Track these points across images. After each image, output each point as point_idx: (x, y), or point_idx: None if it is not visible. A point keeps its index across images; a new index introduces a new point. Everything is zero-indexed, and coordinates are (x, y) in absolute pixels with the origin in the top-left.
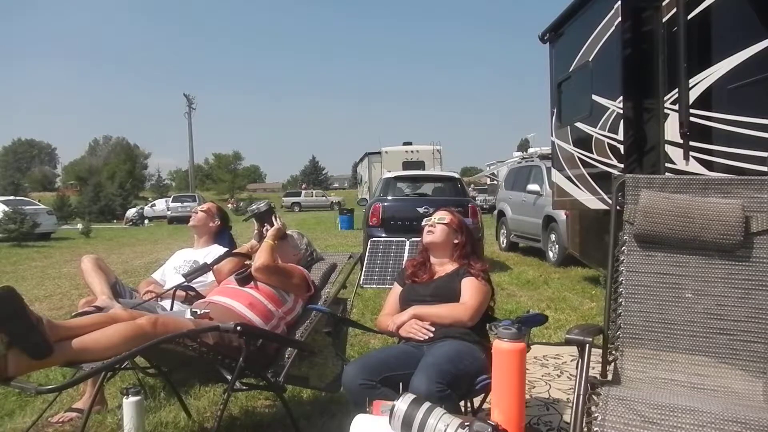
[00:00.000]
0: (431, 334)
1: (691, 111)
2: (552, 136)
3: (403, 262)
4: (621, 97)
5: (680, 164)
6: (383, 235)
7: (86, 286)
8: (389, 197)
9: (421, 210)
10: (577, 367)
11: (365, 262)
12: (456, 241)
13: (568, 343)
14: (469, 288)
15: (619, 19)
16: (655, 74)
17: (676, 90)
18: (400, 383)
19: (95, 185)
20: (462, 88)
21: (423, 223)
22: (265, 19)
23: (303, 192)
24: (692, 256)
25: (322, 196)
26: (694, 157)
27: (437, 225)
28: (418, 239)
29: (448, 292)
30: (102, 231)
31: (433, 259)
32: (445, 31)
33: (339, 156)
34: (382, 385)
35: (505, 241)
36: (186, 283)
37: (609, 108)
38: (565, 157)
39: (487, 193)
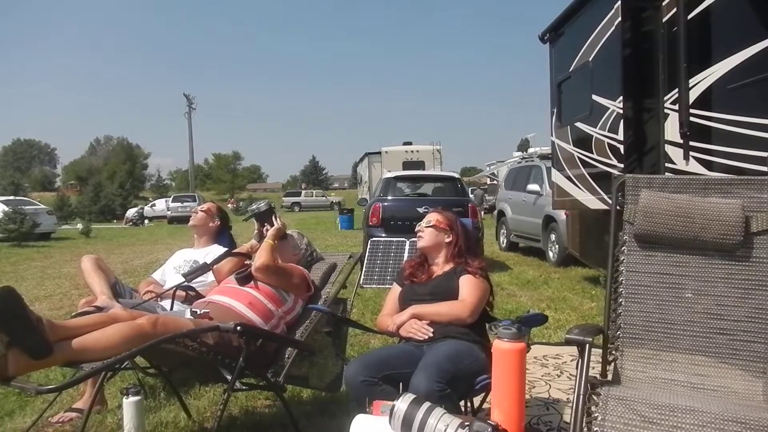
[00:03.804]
0: (431, 334)
1: (691, 111)
2: (552, 136)
3: (403, 262)
4: (621, 97)
5: (680, 164)
6: (383, 235)
7: (86, 286)
8: (389, 197)
9: (421, 210)
10: (577, 367)
11: (365, 262)
12: (447, 240)
13: (568, 343)
14: (467, 285)
15: (619, 18)
16: (655, 74)
17: (676, 90)
18: (401, 383)
19: (95, 185)
20: (462, 88)
21: (416, 228)
22: (264, 18)
23: (303, 192)
24: (692, 256)
25: (322, 196)
26: (694, 157)
27: (425, 229)
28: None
29: (447, 290)
30: (102, 231)
31: (430, 260)
32: (447, 30)
33: (339, 156)
34: (384, 383)
35: (505, 241)
36: (186, 283)
37: (609, 108)
38: (565, 157)
39: (487, 192)
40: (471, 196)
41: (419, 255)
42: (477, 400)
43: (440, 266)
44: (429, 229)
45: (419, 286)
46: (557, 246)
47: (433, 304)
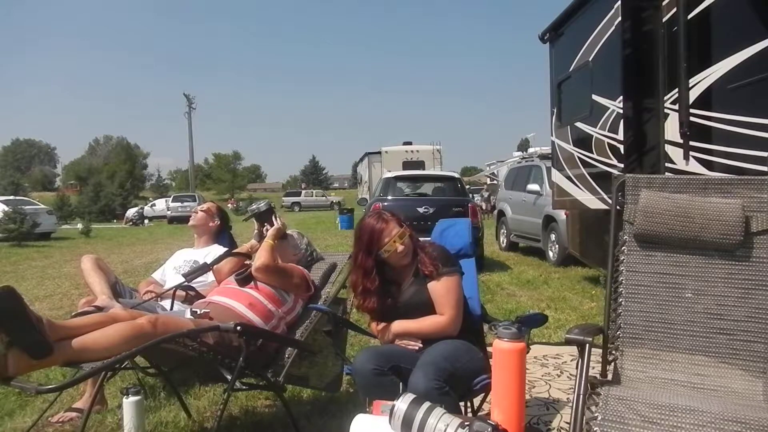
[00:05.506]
0: (420, 345)
1: (691, 111)
2: (552, 136)
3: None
4: (621, 97)
5: (680, 164)
6: None
7: (86, 286)
8: (389, 197)
9: (421, 210)
10: (577, 367)
11: None
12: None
13: (568, 343)
14: (439, 294)
15: (619, 18)
16: (655, 74)
17: (676, 90)
18: (400, 383)
19: (95, 185)
20: (462, 88)
21: (397, 249)
22: (265, 17)
23: (303, 192)
24: (692, 256)
25: (322, 196)
26: (694, 157)
27: (405, 244)
28: (420, 239)
29: (421, 305)
30: (102, 231)
31: (392, 266)
32: (446, 30)
33: (339, 156)
34: (392, 373)
35: (505, 241)
36: (186, 283)
37: (609, 108)
38: (565, 157)
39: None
40: (477, 197)
41: (372, 273)
42: (477, 400)
43: (403, 272)
44: (408, 243)
45: (391, 309)
46: (557, 246)
47: (414, 322)
